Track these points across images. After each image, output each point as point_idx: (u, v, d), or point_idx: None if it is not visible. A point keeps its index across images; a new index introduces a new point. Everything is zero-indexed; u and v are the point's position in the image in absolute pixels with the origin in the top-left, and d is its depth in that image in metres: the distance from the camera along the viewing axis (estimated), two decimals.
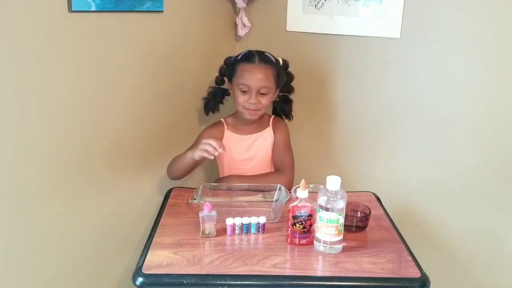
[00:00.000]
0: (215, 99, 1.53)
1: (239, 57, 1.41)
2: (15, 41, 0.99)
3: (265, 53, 1.41)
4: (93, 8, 1.14)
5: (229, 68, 1.44)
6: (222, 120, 1.50)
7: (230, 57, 1.47)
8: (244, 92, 1.37)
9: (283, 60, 1.47)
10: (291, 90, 1.53)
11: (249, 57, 1.39)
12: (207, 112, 1.55)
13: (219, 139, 1.42)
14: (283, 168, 1.45)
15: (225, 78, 1.50)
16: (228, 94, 1.53)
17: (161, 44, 1.40)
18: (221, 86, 1.53)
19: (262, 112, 1.42)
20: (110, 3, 1.18)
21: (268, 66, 1.38)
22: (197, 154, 1.27)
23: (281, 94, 1.51)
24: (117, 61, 1.26)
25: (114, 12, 1.21)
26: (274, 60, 1.41)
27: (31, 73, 1.04)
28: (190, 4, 1.51)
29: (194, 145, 1.41)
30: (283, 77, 1.44)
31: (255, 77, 1.35)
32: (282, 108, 1.54)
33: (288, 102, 1.54)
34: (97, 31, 1.17)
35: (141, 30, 1.31)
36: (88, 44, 1.16)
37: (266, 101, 1.39)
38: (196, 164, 1.36)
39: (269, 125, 1.49)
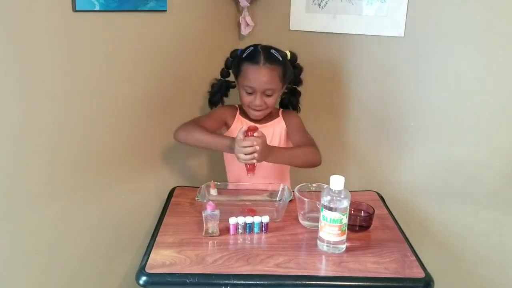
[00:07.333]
0: (220, 92, 1.47)
1: (244, 55, 1.35)
2: (19, 41, 1.00)
3: (271, 51, 1.34)
4: (97, 8, 1.14)
5: (235, 63, 1.39)
6: (236, 105, 1.47)
7: (236, 50, 1.41)
8: (249, 93, 1.34)
9: (291, 53, 1.40)
10: (299, 82, 1.48)
11: (254, 56, 1.33)
12: (211, 106, 1.48)
13: (231, 117, 1.43)
14: (309, 144, 1.37)
15: (231, 71, 1.45)
16: (233, 87, 1.49)
17: (164, 43, 1.40)
18: (226, 79, 1.47)
19: (268, 111, 1.39)
20: (114, 2, 1.18)
21: (274, 67, 1.32)
22: (238, 155, 1.18)
23: (289, 86, 1.46)
24: (121, 60, 1.26)
25: (118, 12, 1.21)
26: (281, 58, 1.34)
27: (35, 72, 1.04)
28: (193, 3, 1.51)
29: (210, 118, 1.40)
30: (290, 74, 1.40)
31: (259, 80, 1.31)
32: (289, 101, 1.49)
33: (296, 94, 1.50)
34: (101, 31, 1.18)
35: (145, 29, 1.31)
36: (92, 44, 1.16)
37: (272, 101, 1.36)
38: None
39: (278, 116, 1.45)
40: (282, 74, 1.35)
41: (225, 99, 1.50)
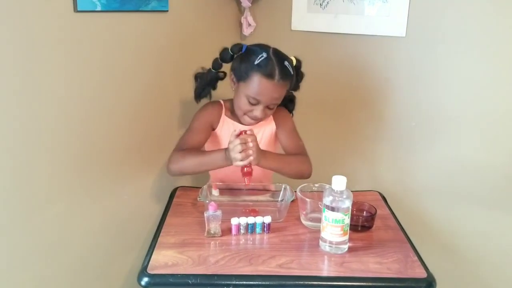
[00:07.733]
0: (210, 85, 1.34)
1: (256, 62, 1.20)
2: (21, 41, 1.00)
3: (285, 64, 1.22)
4: (99, 8, 1.14)
5: (238, 62, 1.26)
6: (221, 102, 1.35)
7: (240, 45, 1.25)
8: (252, 103, 1.23)
9: (296, 59, 1.30)
10: (297, 88, 1.38)
11: (268, 69, 1.19)
12: (198, 100, 1.35)
13: (216, 120, 1.32)
14: (302, 152, 1.31)
15: (233, 71, 1.31)
16: (222, 78, 1.34)
17: (165, 44, 1.40)
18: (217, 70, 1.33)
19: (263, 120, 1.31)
20: (116, 3, 1.18)
21: (287, 82, 1.23)
22: (233, 156, 1.12)
23: (288, 92, 1.37)
24: (122, 61, 1.26)
25: (120, 12, 1.21)
26: (293, 72, 1.25)
27: (36, 73, 1.04)
28: (195, 4, 1.51)
29: (195, 132, 1.29)
30: (294, 83, 1.30)
31: (270, 96, 1.22)
32: (286, 106, 1.42)
33: (293, 100, 1.43)
34: (102, 31, 1.18)
35: (146, 29, 1.31)
36: (93, 44, 1.16)
37: (271, 112, 1.29)
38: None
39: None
40: (290, 86, 1.28)
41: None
